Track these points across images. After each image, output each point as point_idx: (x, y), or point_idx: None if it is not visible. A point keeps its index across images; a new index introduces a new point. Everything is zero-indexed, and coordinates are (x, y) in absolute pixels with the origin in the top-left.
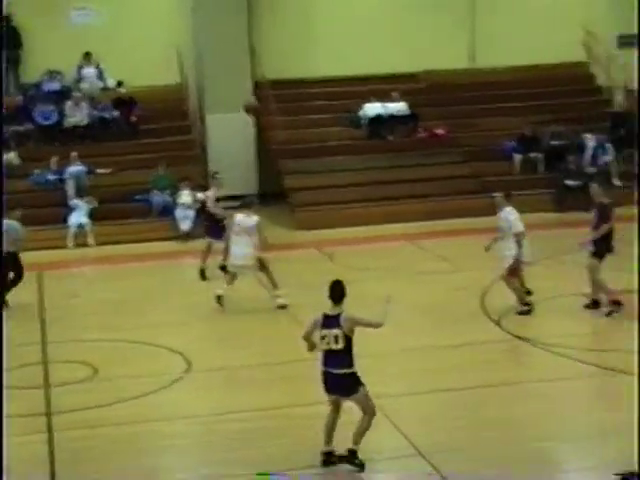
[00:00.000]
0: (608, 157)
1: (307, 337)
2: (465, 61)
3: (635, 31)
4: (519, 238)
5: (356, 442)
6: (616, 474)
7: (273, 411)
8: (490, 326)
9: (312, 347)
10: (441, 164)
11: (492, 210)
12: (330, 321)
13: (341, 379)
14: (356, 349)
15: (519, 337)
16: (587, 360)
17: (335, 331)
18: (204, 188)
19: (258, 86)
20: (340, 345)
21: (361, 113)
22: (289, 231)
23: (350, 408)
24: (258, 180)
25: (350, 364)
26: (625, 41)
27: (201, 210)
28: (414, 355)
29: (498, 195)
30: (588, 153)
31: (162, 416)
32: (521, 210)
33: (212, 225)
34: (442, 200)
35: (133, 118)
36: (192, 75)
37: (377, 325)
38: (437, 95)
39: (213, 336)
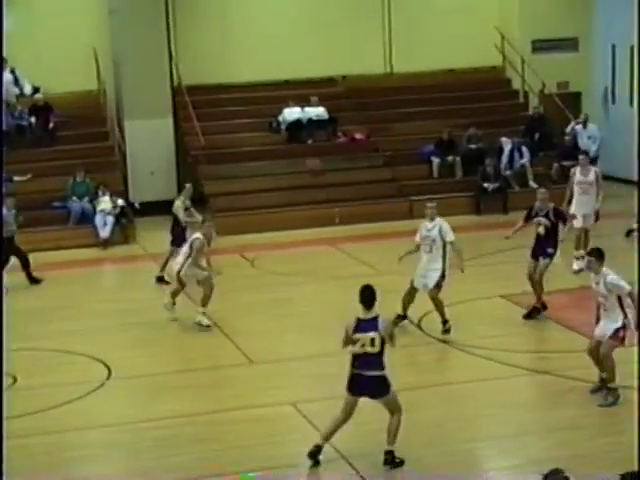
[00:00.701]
0: (524, 160)
1: (348, 341)
2: (383, 66)
3: (548, 36)
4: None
5: (391, 443)
6: (543, 474)
7: (196, 417)
8: (412, 329)
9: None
10: (361, 168)
11: (411, 214)
12: (366, 325)
13: (373, 381)
14: (274, 354)
15: (441, 340)
16: (509, 361)
17: (372, 334)
18: (124, 194)
19: (176, 92)
20: (376, 348)
21: (280, 118)
22: None
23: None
24: (178, 186)
25: (383, 367)
26: (539, 46)
27: (120, 216)
28: (336, 359)
29: (431, 206)
30: (505, 156)
31: (84, 425)
32: (440, 214)
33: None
34: (362, 204)
35: (50, 125)
36: (110, 81)
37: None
38: (356, 100)
39: (133, 343)
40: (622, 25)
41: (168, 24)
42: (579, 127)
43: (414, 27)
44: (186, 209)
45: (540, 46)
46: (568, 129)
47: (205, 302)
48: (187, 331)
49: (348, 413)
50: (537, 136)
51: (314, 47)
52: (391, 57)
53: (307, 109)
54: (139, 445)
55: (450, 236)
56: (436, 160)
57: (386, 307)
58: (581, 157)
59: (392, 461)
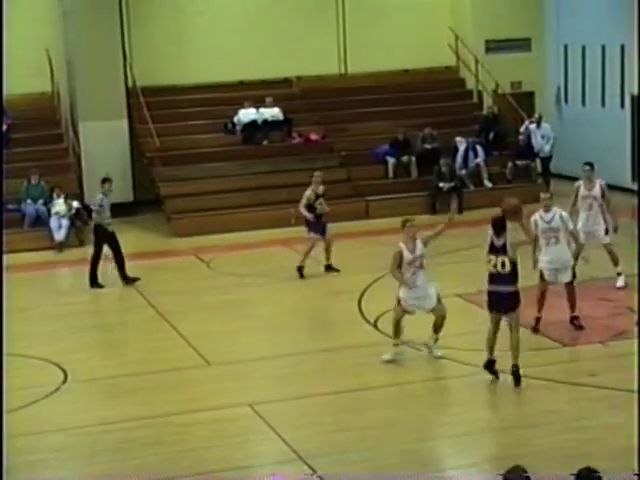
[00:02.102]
0: (479, 159)
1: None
2: (337, 66)
3: (501, 37)
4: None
5: (516, 357)
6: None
7: (153, 420)
8: (368, 329)
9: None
10: (316, 169)
11: (367, 214)
12: (497, 249)
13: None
14: (231, 355)
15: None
16: (466, 360)
17: (502, 257)
18: (79, 197)
19: (131, 93)
20: (507, 269)
21: (235, 119)
22: (165, 238)
23: None
24: (133, 188)
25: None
26: (492, 46)
27: (75, 217)
28: (292, 359)
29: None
30: (459, 156)
31: (40, 429)
32: (396, 213)
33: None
34: None
35: (4, 127)
36: (64, 82)
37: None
38: (311, 100)
39: (89, 346)
40: (574, 25)
41: (122, 25)
42: (533, 126)
43: (368, 28)
44: (317, 197)
45: (493, 46)
46: (522, 128)
47: None
48: (143, 333)
49: (496, 326)
50: (491, 135)
51: (269, 48)
52: (345, 58)
53: (262, 110)
54: (95, 449)
55: (570, 224)
56: (391, 160)
57: (337, 307)
58: (585, 168)
59: (518, 374)
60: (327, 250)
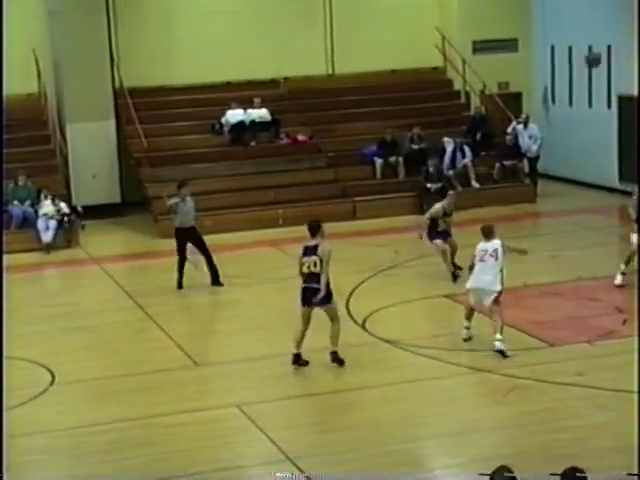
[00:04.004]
0: (466, 160)
1: None
2: (325, 67)
3: (488, 37)
4: None
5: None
6: (484, 474)
7: (141, 421)
8: (356, 329)
9: None
10: (304, 170)
11: (354, 214)
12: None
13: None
14: (219, 356)
15: (384, 339)
16: (453, 360)
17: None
18: (66, 198)
19: (118, 94)
20: (318, 269)
21: (223, 120)
22: (152, 239)
23: None
24: (120, 189)
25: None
26: (479, 47)
27: (63, 220)
28: (279, 360)
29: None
30: (447, 156)
31: (27, 430)
32: (384, 214)
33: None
34: (305, 205)
35: None
36: (51, 83)
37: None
38: (298, 101)
39: (77, 348)
40: (560, 26)
41: (109, 26)
42: (520, 127)
43: (355, 28)
44: (445, 214)
45: (480, 47)
46: (509, 129)
47: None
48: (131, 334)
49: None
50: (479, 136)
51: (256, 49)
52: (333, 58)
53: (250, 111)
54: (84, 450)
55: None
56: (379, 161)
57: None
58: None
59: (337, 359)
60: (453, 253)
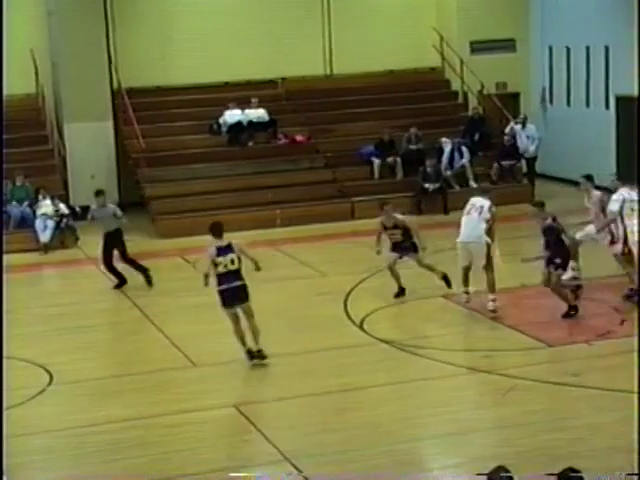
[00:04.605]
0: (464, 160)
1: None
2: (323, 67)
3: (486, 38)
4: None
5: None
6: (482, 474)
7: (139, 421)
8: (354, 330)
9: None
10: (302, 170)
11: (352, 215)
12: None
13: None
14: (216, 356)
15: (382, 340)
16: (451, 361)
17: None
18: (64, 198)
19: (116, 94)
20: (236, 266)
21: (221, 120)
22: (150, 240)
23: None
24: (118, 189)
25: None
26: (477, 47)
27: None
28: (278, 360)
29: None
30: (445, 157)
31: (26, 431)
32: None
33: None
34: (304, 206)
35: None
36: (49, 83)
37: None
38: (296, 101)
39: (74, 348)
40: (558, 27)
41: (107, 26)
42: (518, 127)
43: (353, 29)
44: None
45: (478, 47)
46: (507, 129)
47: None
48: (129, 334)
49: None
50: (477, 136)
51: (254, 49)
52: (331, 59)
53: (247, 111)
54: (82, 450)
55: None
56: (377, 161)
57: (323, 308)
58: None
59: (263, 356)
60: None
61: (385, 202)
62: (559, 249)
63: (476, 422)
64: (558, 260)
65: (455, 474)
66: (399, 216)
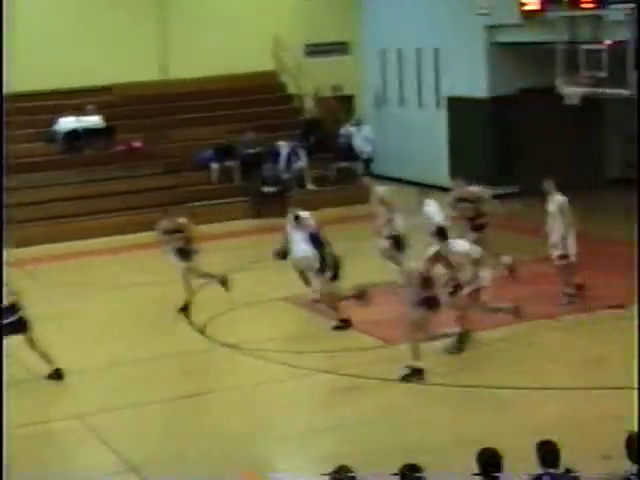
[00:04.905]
0: (301, 163)
1: None
2: (159, 73)
3: (320, 41)
4: None
5: None
6: (325, 474)
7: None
8: (195, 335)
9: None
10: (140, 176)
11: (194, 220)
12: None
13: None
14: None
15: (225, 344)
16: (293, 362)
17: None
18: None
19: None
20: None
21: (56, 128)
22: None
23: None
24: None
25: None
26: (312, 50)
27: None
28: (119, 369)
29: None
30: (282, 160)
31: None
32: (220, 219)
33: None
34: (143, 212)
35: None
36: None
37: None
38: (132, 108)
39: None
40: (390, 29)
41: None
42: (353, 129)
43: (189, 33)
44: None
45: (313, 51)
46: (343, 131)
47: None
48: None
49: None
50: (313, 139)
51: (89, 55)
52: (166, 64)
53: (83, 118)
54: None
55: None
56: (215, 166)
57: (166, 315)
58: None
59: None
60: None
61: (167, 209)
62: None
63: (319, 423)
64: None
65: (299, 475)
66: (180, 219)
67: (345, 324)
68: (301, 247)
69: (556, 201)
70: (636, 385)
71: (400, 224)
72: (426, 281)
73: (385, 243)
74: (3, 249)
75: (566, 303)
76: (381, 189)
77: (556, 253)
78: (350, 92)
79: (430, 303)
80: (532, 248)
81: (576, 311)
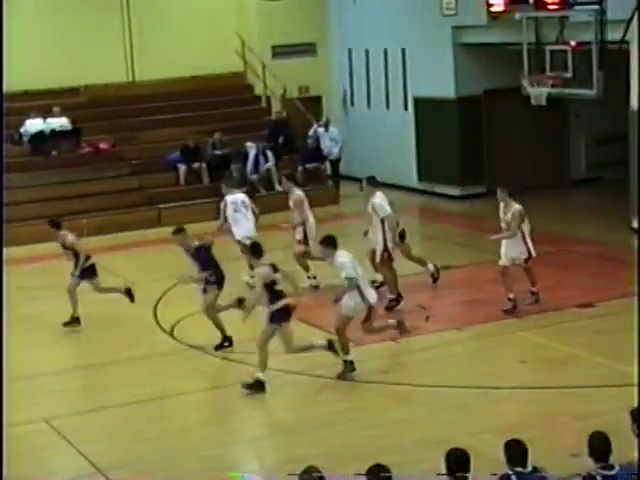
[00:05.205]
0: (269, 164)
1: None
2: (125, 74)
3: (287, 42)
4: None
5: None
6: (293, 474)
7: None
8: (163, 337)
9: None
10: (107, 178)
11: (159, 221)
12: None
13: None
14: (25, 370)
15: (193, 346)
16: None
17: None
18: None
19: None
20: None
21: (22, 129)
22: None
23: None
24: None
25: None
26: (279, 51)
27: None
28: (86, 372)
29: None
30: (250, 161)
31: None
32: (188, 220)
33: None
34: (110, 214)
35: None
36: None
37: None
38: (99, 109)
39: None
40: (357, 30)
41: None
42: (321, 130)
43: (155, 34)
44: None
45: (280, 51)
46: (311, 132)
47: None
48: None
49: None
50: (281, 140)
51: (55, 56)
52: (133, 65)
53: (49, 120)
54: None
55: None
56: (182, 167)
57: (133, 316)
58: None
59: None
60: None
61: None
62: (214, 267)
63: (288, 423)
64: (213, 278)
65: (264, 477)
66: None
67: (228, 343)
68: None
69: (511, 210)
70: (636, 382)
71: (313, 228)
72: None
73: (298, 248)
74: (3, 249)
75: (529, 303)
76: (296, 191)
77: (522, 257)
78: (318, 93)
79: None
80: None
81: (544, 310)
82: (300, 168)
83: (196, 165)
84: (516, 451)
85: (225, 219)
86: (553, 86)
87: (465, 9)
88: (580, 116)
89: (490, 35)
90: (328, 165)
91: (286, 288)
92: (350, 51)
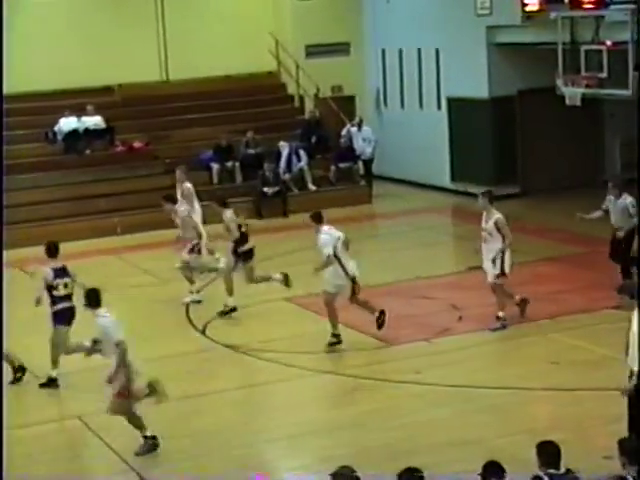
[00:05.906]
0: (302, 163)
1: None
2: (159, 73)
3: (321, 41)
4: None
5: None
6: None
7: None
8: (196, 336)
9: None
10: (141, 177)
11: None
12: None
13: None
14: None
15: (225, 345)
16: (294, 363)
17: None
18: None
19: None
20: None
21: (56, 128)
22: None
23: None
24: None
25: None
26: (312, 51)
27: None
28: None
29: None
30: (283, 160)
31: None
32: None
33: None
34: (143, 212)
35: None
36: None
37: None
38: (133, 108)
39: None
40: (391, 30)
41: None
42: (354, 129)
43: (189, 34)
44: None
45: (313, 51)
46: (343, 132)
47: None
48: None
49: None
50: (314, 139)
51: (89, 55)
52: (167, 64)
53: (84, 119)
54: None
55: None
56: (215, 166)
57: (166, 315)
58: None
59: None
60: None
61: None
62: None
63: (319, 423)
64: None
65: (300, 476)
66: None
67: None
68: None
69: (493, 218)
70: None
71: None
72: None
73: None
74: (3, 249)
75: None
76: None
77: (494, 272)
78: (351, 93)
79: None
80: (534, 249)
81: (576, 312)
82: (333, 168)
83: (229, 164)
84: (549, 452)
85: None
86: (588, 86)
87: (499, 9)
88: (615, 116)
89: (524, 35)
90: (361, 165)
91: None
92: (384, 51)
